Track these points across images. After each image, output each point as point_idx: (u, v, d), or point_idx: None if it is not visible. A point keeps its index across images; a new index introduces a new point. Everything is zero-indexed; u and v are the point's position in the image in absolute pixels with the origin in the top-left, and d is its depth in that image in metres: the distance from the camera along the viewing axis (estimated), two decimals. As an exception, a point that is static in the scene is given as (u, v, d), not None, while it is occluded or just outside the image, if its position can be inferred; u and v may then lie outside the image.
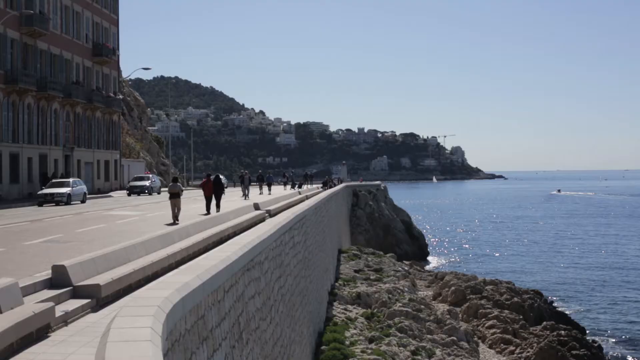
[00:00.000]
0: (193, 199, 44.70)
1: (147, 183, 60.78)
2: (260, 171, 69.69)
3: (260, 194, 52.28)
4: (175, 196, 25.77)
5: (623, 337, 44.58)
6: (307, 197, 45.89)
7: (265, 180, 59.26)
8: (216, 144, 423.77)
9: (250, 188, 48.97)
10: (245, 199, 42.90)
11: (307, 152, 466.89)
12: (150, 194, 58.94)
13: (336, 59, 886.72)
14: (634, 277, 66.82)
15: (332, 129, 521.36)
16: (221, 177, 34.34)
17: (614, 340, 43.67)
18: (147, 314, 7.89)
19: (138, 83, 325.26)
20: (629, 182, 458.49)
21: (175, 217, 25.22)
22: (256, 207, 30.17)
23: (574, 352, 34.30)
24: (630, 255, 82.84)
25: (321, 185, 76.99)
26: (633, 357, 40.01)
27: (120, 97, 76.71)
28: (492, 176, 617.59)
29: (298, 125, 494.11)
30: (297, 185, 70.12)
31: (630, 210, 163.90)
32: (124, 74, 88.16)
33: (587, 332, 43.60)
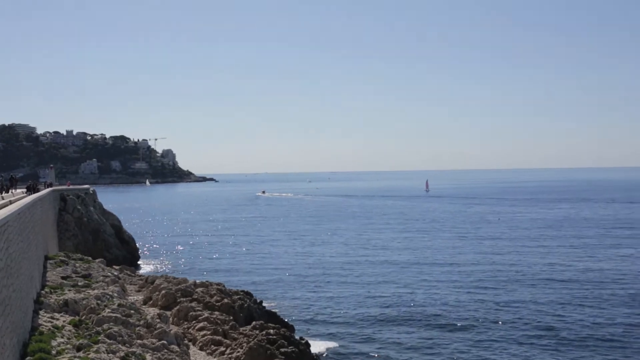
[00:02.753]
0: None
1: None
2: (-46, 174, 64.27)
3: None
4: None
5: (328, 331, 47.21)
6: (11, 202, 43.15)
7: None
8: None
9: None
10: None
11: (13, 155, 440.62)
12: None
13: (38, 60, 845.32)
14: (336, 273, 71.08)
15: (40, 131, 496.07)
16: None
17: (321, 335, 46.07)
18: None
19: None
20: (335, 184, 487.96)
21: None
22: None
23: (282, 349, 35.61)
24: (331, 253, 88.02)
25: (25, 189, 72.85)
26: (336, 351, 42.59)
27: None
28: (203, 179, 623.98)
29: (2, 127, 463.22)
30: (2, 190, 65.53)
31: (335, 210, 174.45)
32: None
33: (296, 329, 45.53)
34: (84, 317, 34.29)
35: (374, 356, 41.38)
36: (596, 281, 62.83)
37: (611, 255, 78.70)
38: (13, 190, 66.23)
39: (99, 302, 37.26)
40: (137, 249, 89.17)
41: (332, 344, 43.73)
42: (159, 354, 30.55)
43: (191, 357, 33.75)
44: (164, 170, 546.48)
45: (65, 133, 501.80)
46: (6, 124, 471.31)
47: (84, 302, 36.82)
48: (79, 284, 44.51)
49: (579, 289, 59.11)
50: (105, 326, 32.18)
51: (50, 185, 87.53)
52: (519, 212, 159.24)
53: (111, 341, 30.07)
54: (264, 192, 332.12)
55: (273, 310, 49.19)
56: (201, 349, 36.29)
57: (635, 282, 62.18)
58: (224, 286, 51.15)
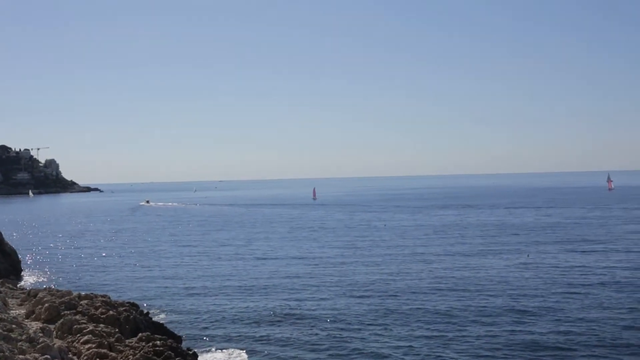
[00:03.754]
0: None
1: None
2: None
3: None
4: None
5: (217, 341, 47.15)
6: None
7: None
8: None
9: None
10: None
11: None
12: None
13: None
14: (224, 282, 70.94)
15: None
16: None
17: (209, 346, 45.97)
18: None
19: None
20: (221, 193, 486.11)
21: None
22: None
23: (169, 360, 35.42)
24: (220, 263, 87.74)
25: None
26: (219, 351, 42.68)
27: None
28: (87, 189, 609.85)
29: None
30: None
31: (223, 219, 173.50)
32: None
33: (184, 340, 45.29)
34: (-39, 334, 33.11)
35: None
36: (482, 284, 65.18)
37: (494, 262, 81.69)
38: None
39: (-23, 317, 36.04)
40: (19, 262, 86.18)
41: (220, 355, 43.75)
42: (42, 369, 29.86)
43: (76, 371, 33.08)
44: (47, 180, 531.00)
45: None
46: None
47: (-39, 318, 35.54)
48: (-44, 299, 42.88)
49: (466, 294, 61.17)
50: (-16, 342, 31.20)
51: None
52: (405, 218, 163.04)
53: (-9, 357, 29.20)
54: (148, 201, 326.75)
55: (160, 322, 48.70)
56: (86, 362, 35.61)
57: (516, 287, 64.80)
58: (109, 298, 50.26)
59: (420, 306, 56.00)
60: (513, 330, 46.96)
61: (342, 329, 48.94)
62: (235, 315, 54.91)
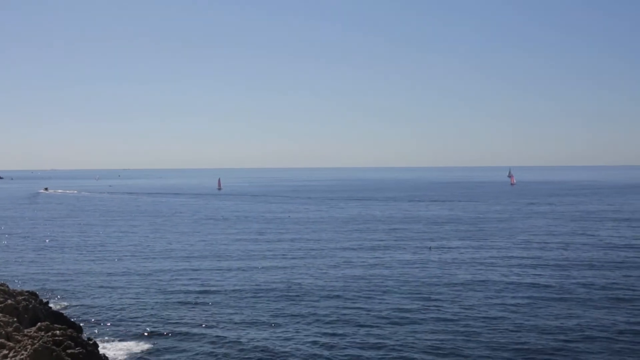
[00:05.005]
0: None
1: None
2: None
3: None
4: None
5: (119, 331, 46.83)
6: None
7: None
8: None
9: None
10: None
11: None
12: None
13: None
14: (127, 272, 70.22)
15: None
16: None
17: (110, 335, 45.66)
18: None
19: None
20: (126, 181, 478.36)
21: None
22: None
23: (69, 351, 34.96)
24: (122, 252, 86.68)
25: None
26: (128, 350, 42.43)
27: None
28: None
29: None
30: None
31: (125, 208, 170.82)
32: None
33: (85, 330, 44.77)
34: None
35: (162, 351, 41.70)
36: (385, 276, 66.63)
37: (396, 254, 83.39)
38: None
39: None
40: None
41: (121, 344, 43.53)
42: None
43: (-28, 362, 32.44)
44: None
45: None
46: None
47: None
48: None
49: (365, 284, 62.38)
50: None
51: None
52: (310, 210, 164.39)
53: None
54: (46, 189, 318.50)
55: (60, 311, 48.01)
56: (-17, 352, 34.91)
57: (417, 278, 66.44)
58: (7, 287, 49.18)
59: (316, 301, 56.99)
60: (416, 319, 48.36)
61: (242, 323, 49.46)
62: (136, 305, 54.63)
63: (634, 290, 58.23)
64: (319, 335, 45.06)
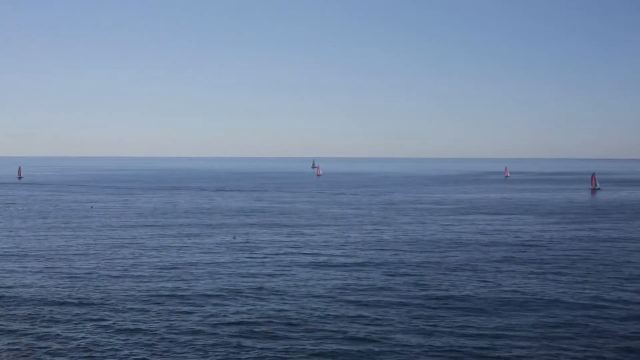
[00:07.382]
0: None
1: None
2: None
3: None
4: None
5: None
6: None
7: None
8: None
9: None
10: None
11: None
12: None
13: None
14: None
15: None
16: None
17: None
18: None
19: None
20: None
21: None
22: None
23: None
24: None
25: None
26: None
27: None
28: None
29: None
30: None
31: None
32: None
33: None
34: None
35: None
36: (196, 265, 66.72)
37: (202, 244, 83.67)
38: None
39: None
40: None
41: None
42: None
43: None
44: None
45: None
46: None
47: None
48: None
49: (173, 275, 62.31)
50: None
51: None
52: (115, 200, 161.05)
53: None
54: None
55: None
56: None
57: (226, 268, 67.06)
58: None
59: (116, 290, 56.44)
60: (217, 313, 48.92)
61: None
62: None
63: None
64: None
